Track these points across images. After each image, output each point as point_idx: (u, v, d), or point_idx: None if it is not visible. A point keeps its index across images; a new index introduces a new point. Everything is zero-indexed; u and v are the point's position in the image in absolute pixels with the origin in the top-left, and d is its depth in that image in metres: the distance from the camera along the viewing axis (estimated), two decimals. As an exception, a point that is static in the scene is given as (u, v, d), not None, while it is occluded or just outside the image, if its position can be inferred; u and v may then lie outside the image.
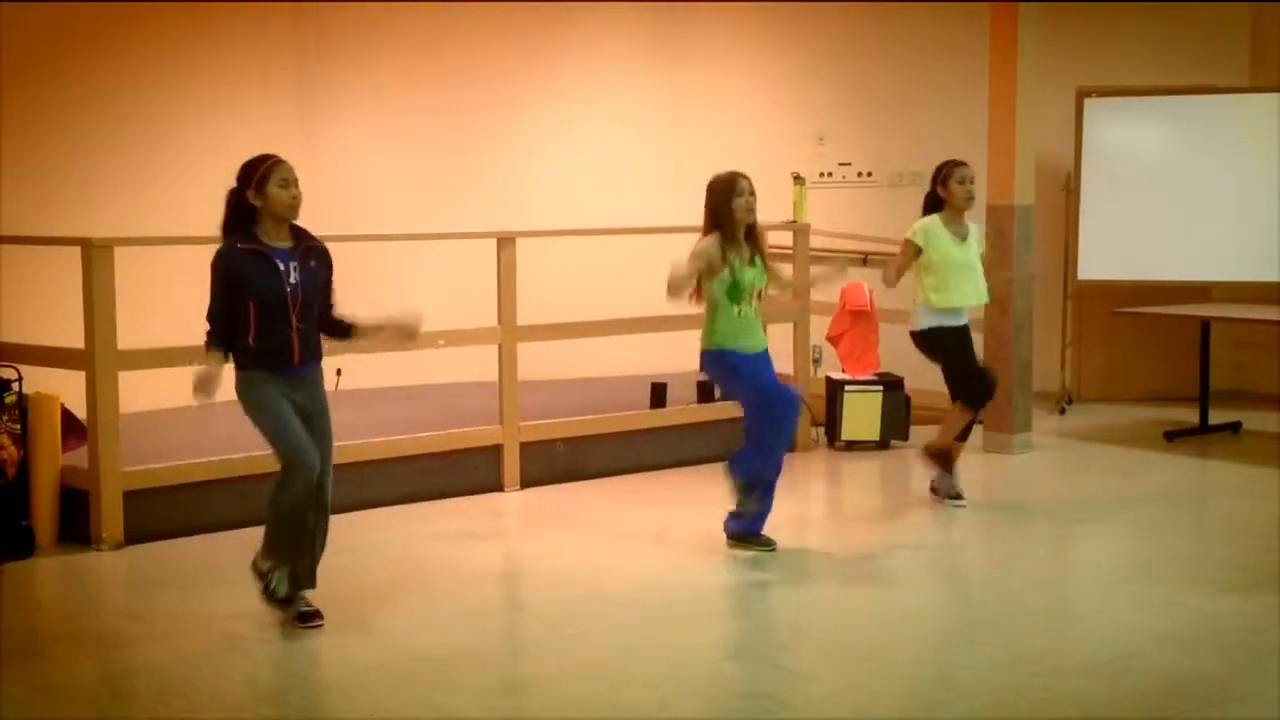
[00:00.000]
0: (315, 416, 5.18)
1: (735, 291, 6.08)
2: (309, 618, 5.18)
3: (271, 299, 5.01)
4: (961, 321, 7.07)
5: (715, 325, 6.17)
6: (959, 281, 6.97)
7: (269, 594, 5.15)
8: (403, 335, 5.44)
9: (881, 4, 10.20)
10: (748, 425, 6.20)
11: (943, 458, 7.10)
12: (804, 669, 4.83)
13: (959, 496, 7.10)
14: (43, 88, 8.65)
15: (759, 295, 6.20)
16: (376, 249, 8.84)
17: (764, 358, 6.23)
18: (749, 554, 6.19)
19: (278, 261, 5.04)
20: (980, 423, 7.61)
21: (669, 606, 5.65)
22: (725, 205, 6.09)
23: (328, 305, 5.25)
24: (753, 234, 6.18)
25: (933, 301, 6.96)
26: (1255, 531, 6.51)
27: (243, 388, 5.11)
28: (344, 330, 5.31)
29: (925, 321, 7.02)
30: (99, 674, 4.92)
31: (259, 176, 5.03)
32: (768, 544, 6.24)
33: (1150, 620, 5.22)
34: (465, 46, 10.21)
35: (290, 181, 5.06)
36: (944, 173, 7.05)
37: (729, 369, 6.22)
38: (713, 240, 6.08)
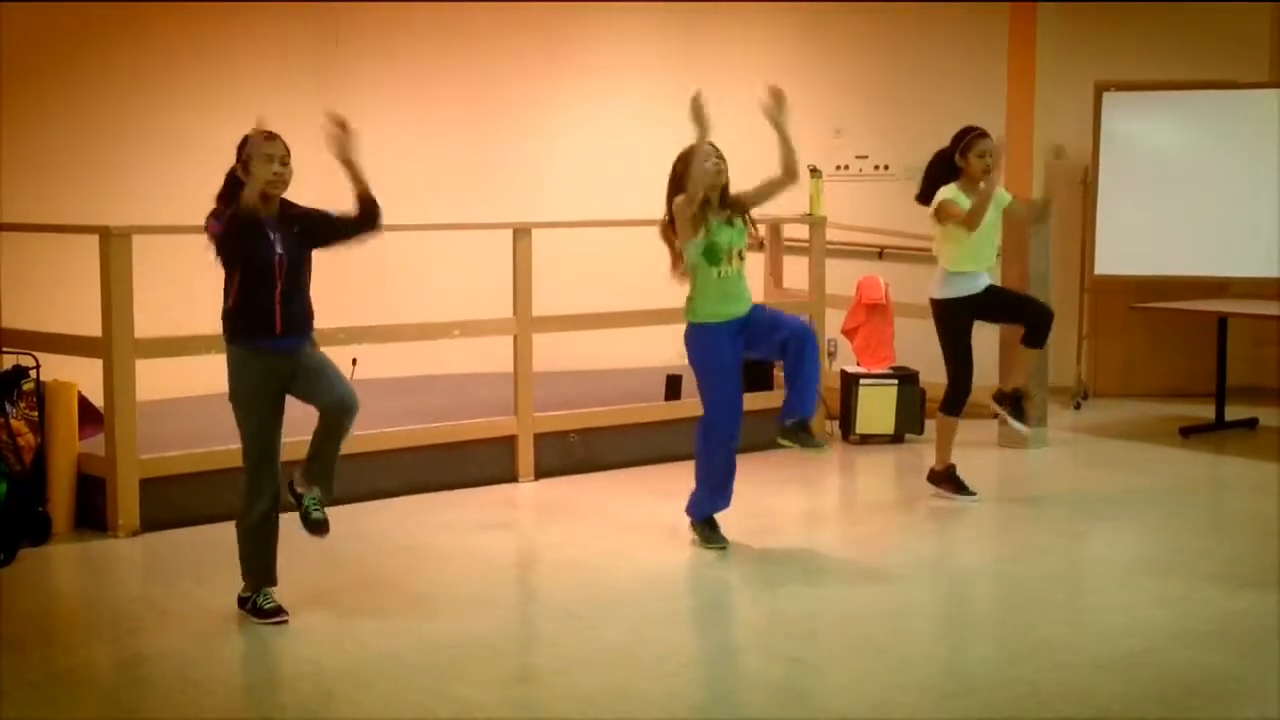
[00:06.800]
0: (315, 374, 5.11)
1: (712, 252, 6.02)
2: (271, 613, 5.16)
3: (258, 265, 4.99)
4: (980, 287, 6.98)
5: (695, 292, 6.08)
6: (976, 249, 6.91)
7: (255, 610, 5.16)
8: (343, 144, 5.17)
9: (900, -3, 10.19)
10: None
11: (1012, 400, 7.11)
12: (817, 662, 4.83)
13: (970, 492, 7.08)
14: (59, 79, 8.66)
15: (740, 255, 6.11)
16: (393, 239, 8.83)
17: (745, 322, 6.11)
18: (757, 547, 6.20)
19: (267, 230, 5.02)
20: (998, 417, 7.57)
21: (682, 598, 5.67)
22: (686, 170, 5.99)
23: (332, 222, 5.18)
24: (728, 197, 6.10)
25: (951, 266, 6.91)
26: (1270, 528, 6.48)
27: (232, 364, 5.10)
28: (363, 211, 5.20)
29: (943, 290, 6.97)
30: (114, 660, 4.94)
31: (247, 153, 5.01)
32: (719, 543, 6.17)
33: (1164, 616, 5.21)
34: (483, 42, 10.20)
35: (275, 157, 4.98)
36: (966, 141, 6.86)
37: (704, 354, 6.09)
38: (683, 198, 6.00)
